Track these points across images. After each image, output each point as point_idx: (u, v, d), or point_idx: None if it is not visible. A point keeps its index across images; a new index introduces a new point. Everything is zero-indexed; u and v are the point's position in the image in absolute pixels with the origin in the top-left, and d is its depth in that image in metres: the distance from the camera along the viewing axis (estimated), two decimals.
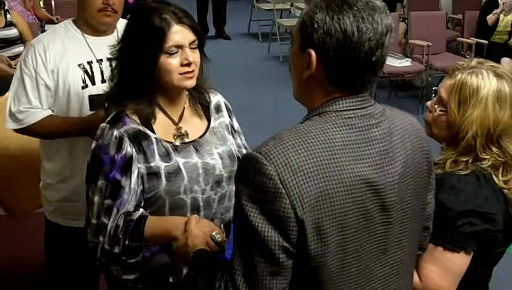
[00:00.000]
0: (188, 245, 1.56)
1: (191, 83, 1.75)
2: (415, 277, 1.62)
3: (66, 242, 2.37)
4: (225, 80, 6.89)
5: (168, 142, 1.76)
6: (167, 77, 1.71)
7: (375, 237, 1.27)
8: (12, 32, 4.88)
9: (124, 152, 1.68)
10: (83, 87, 2.24)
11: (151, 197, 1.72)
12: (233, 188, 1.52)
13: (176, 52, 1.70)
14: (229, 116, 1.99)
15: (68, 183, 2.32)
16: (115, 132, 1.69)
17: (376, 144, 1.27)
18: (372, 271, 1.29)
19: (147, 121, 1.75)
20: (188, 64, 1.71)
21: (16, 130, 2.29)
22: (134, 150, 1.69)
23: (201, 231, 1.59)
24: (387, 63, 5.87)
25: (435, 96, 1.77)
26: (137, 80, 1.71)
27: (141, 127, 1.73)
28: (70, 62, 2.23)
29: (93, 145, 1.74)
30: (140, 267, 1.72)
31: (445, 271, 1.63)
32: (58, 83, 2.21)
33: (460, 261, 1.63)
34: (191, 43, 1.73)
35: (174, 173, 1.73)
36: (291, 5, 9.09)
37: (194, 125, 1.85)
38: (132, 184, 1.68)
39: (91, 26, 2.26)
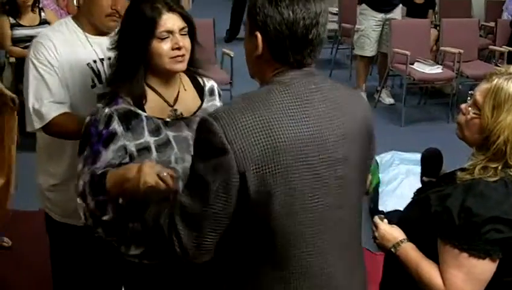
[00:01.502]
0: (140, 182, 1.69)
1: (181, 66, 1.88)
2: (438, 280, 1.65)
3: (80, 242, 2.26)
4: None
5: (159, 118, 1.89)
6: (159, 60, 1.84)
7: (324, 189, 1.42)
8: None
9: (110, 128, 1.82)
10: (92, 86, 2.23)
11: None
12: None
13: (167, 38, 1.84)
14: (220, 100, 2.10)
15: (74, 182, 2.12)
16: (106, 110, 1.84)
17: (315, 107, 1.43)
18: (324, 220, 1.44)
19: (139, 101, 1.88)
20: (179, 48, 1.84)
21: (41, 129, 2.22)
22: (121, 128, 1.83)
23: (152, 171, 1.70)
24: (417, 69, 5.89)
25: (470, 99, 1.76)
26: (131, 64, 1.85)
27: (132, 107, 1.86)
28: (79, 61, 2.21)
29: (87, 119, 1.88)
30: (142, 241, 1.85)
31: (469, 277, 1.62)
32: (68, 81, 2.20)
33: (485, 268, 1.62)
34: (181, 29, 1.86)
35: (164, 145, 1.86)
36: None
37: (187, 106, 1.97)
38: (108, 154, 1.82)
39: (94, 27, 2.25)
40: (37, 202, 2.51)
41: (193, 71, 2.00)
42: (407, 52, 5.80)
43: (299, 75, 1.45)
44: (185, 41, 1.86)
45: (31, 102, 2.17)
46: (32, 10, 4.93)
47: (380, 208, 3.86)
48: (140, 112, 1.86)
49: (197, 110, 1.98)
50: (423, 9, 7.12)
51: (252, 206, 1.37)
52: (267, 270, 1.45)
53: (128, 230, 1.86)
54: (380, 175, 4.22)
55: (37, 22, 4.94)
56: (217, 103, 2.07)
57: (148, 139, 1.85)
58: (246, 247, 1.46)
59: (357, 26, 6.40)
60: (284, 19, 1.40)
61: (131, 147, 1.84)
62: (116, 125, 1.83)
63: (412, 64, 5.95)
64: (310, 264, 1.45)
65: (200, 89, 2.04)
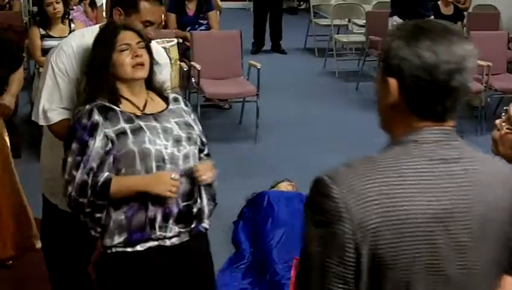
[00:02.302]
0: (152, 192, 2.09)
1: (141, 73, 2.24)
2: None
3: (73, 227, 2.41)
4: (279, 93, 6.93)
5: (131, 113, 2.21)
6: (122, 70, 2.20)
7: (442, 278, 1.20)
8: None
9: (92, 119, 2.14)
10: None
11: (124, 152, 2.14)
12: (195, 149, 2.28)
13: (126, 50, 2.20)
14: (187, 107, 2.39)
15: None
16: (87, 106, 2.18)
17: (454, 179, 1.21)
18: None
19: (114, 103, 2.21)
20: (137, 56, 2.19)
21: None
22: (101, 118, 2.15)
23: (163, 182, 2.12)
24: None
25: (504, 114, 1.74)
26: (102, 73, 2.21)
27: (107, 104, 2.19)
28: None
29: (72, 119, 2.23)
30: (123, 228, 2.14)
31: None
32: (82, 85, 2.36)
33: None
34: (137, 42, 2.23)
35: (137, 130, 2.16)
36: (349, 20, 9.06)
37: (156, 109, 2.28)
38: (96, 144, 2.12)
39: None
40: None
41: (156, 90, 2.34)
42: None
43: (438, 135, 1.23)
44: (143, 52, 2.23)
45: (43, 102, 2.39)
46: (62, 22, 5.00)
47: None
48: (115, 107, 2.20)
49: (164, 110, 2.28)
50: (452, 21, 7.04)
51: (362, 282, 1.18)
52: None
53: (111, 221, 2.15)
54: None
55: (67, 33, 4.98)
56: (182, 106, 2.36)
57: (124, 125, 2.16)
58: None
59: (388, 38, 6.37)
60: (424, 62, 1.20)
61: (111, 133, 2.14)
62: (97, 116, 2.15)
63: None
64: None
65: (164, 98, 2.35)
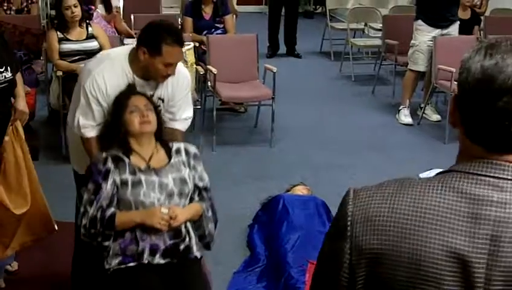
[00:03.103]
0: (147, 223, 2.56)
1: (148, 128, 2.68)
2: None
3: None
4: (295, 97, 6.93)
5: (136, 166, 2.65)
6: (131, 127, 2.66)
7: None
8: (93, 44, 5.06)
9: (106, 166, 2.61)
10: None
11: (123, 199, 2.61)
12: (186, 201, 2.70)
13: (135, 111, 2.66)
14: (187, 156, 2.76)
15: None
16: (104, 154, 2.66)
17: (485, 226, 1.05)
18: None
19: (126, 154, 2.68)
20: (144, 116, 2.65)
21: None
22: (112, 166, 2.61)
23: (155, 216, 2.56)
24: None
25: None
26: (115, 131, 2.70)
27: (120, 154, 2.66)
28: None
29: (90, 162, 2.71)
30: (119, 255, 2.59)
31: None
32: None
33: None
34: (145, 105, 2.70)
35: (137, 183, 2.61)
36: (365, 24, 9.04)
37: (159, 163, 2.69)
38: (107, 187, 2.58)
39: (144, 74, 2.82)
40: None
41: (162, 140, 2.77)
42: (452, 69, 5.73)
43: (483, 170, 1.07)
44: (149, 113, 2.68)
45: (78, 115, 2.81)
46: (80, 25, 5.04)
47: None
48: (125, 158, 2.65)
49: (165, 165, 2.69)
50: (469, 25, 7.03)
51: None
52: None
53: (111, 249, 2.61)
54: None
55: (84, 37, 5.05)
56: (183, 158, 2.75)
57: (128, 176, 2.61)
58: None
59: (412, 41, 6.35)
60: (485, 73, 1.06)
61: (117, 180, 2.61)
62: (110, 164, 2.61)
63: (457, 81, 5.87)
64: None
65: (168, 151, 2.75)
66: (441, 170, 4.18)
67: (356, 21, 8.81)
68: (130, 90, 2.75)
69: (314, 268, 1.24)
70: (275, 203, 3.85)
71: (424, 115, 6.40)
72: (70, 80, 4.90)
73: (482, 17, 7.58)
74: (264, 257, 3.58)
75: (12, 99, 3.17)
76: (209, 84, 5.60)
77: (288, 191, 4.19)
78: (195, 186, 2.75)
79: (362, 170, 5.06)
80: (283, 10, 8.88)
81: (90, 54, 5.03)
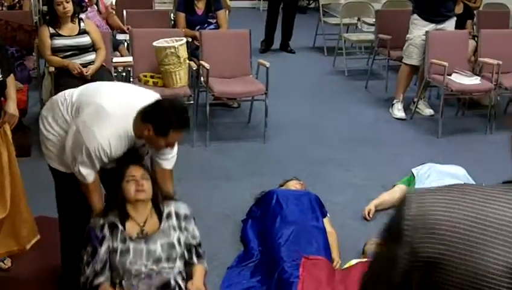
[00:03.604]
0: None
1: (142, 195, 2.88)
2: None
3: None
4: (288, 92, 6.93)
5: (128, 234, 2.84)
6: (127, 194, 2.87)
7: None
8: (85, 40, 5.03)
9: (103, 233, 2.83)
10: None
11: (113, 265, 2.82)
12: (173, 264, 2.85)
13: (132, 180, 2.87)
14: (177, 219, 2.94)
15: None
16: (101, 221, 2.86)
17: None
18: None
19: (122, 221, 2.87)
20: (138, 185, 2.86)
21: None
22: (108, 233, 2.83)
23: None
24: (455, 80, 5.83)
25: None
26: (113, 199, 2.94)
27: (116, 221, 2.86)
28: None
29: (88, 227, 2.88)
30: None
31: None
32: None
33: None
34: (142, 175, 2.89)
35: (124, 251, 2.81)
36: (358, 19, 9.04)
37: (152, 228, 2.89)
38: (102, 252, 2.81)
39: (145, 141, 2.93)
40: None
41: (157, 204, 2.95)
42: (444, 63, 5.74)
43: None
44: (144, 182, 2.88)
45: (79, 166, 2.89)
46: (72, 21, 5.01)
47: None
48: (120, 226, 2.85)
49: (156, 230, 2.88)
50: (461, 20, 7.04)
51: None
52: None
53: None
54: (416, 187, 4.17)
55: (76, 32, 5.02)
56: (174, 221, 2.92)
57: (118, 244, 2.82)
58: None
59: (407, 35, 6.35)
60: None
61: (110, 247, 2.82)
62: (106, 231, 2.83)
63: (450, 75, 5.88)
64: None
65: (160, 215, 2.93)
66: (433, 164, 4.21)
67: (349, 16, 8.81)
68: (129, 158, 2.93)
69: (368, 268, 1.23)
70: (268, 198, 3.85)
71: (417, 109, 6.42)
72: (63, 76, 4.90)
73: (475, 12, 7.60)
74: (257, 252, 3.58)
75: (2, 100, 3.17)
76: (202, 79, 5.59)
77: (281, 186, 4.19)
78: (190, 245, 2.95)
79: (356, 165, 5.06)
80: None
81: (82, 49, 5.02)
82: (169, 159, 3.13)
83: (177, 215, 2.95)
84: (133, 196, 2.86)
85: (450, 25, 6.26)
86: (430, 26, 6.15)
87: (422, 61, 6.26)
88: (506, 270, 1.03)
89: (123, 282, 2.81)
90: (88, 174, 2.91)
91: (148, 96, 2.96)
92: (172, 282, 2.84)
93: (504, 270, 1.03)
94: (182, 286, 2.87)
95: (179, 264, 2.89)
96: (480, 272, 1.04)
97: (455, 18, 6.34)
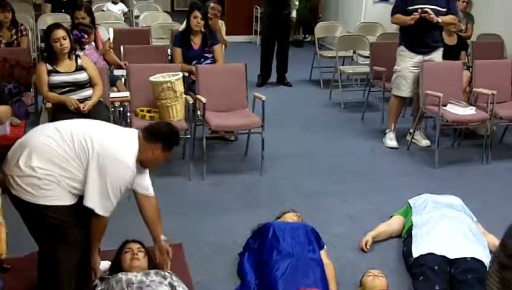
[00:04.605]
0: None
1: (137, 264, 3.29)
2: None
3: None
4: (285, 125, 6.97)
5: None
6: (125, 263, 3.31)
7: None
8: (82, 76, 5.08)
9: None
10: None
11: None
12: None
13: (128, 252, 3.35)
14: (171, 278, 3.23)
15: None
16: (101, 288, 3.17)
17: None
18: None
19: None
20: (133, 254, 3.33)
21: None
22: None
23: None
24: (450, 111, 5.86)
25: None
26: (113, 270, 3.33)
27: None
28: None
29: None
30: None
31: None
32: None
33: None
34: (138, 248, 3.39)
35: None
36: (354, 52, 9.13)
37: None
38: None
39: (144, 163, 3.22)
40: None
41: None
42: (439, 94, 5.78)
43: None
44: (140, 256, 3.34)
45: (110, 201, 3.01)
46: (69, 57, 5.06)
47: (414, 251, 3.80)
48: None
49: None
50: (455, 51, 7.11)
51: None
52: None
53: None
54: (413, 218, 4.17)
55: (73, 69, 5.06)
56: (168, 279, 3.19)
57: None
58: None
59: (395, 67, 6.41)
60: None
61: None
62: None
63: (445, 106, 5.92)
64: None
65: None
66: (430, 194, 4.20)
67: (345, 49, 8.89)
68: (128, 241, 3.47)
69: None
70: (264, 231, 3.84)
71: (413, 140, 6.44)
72: (60, 112, 4.92)
73: (468, 42, 7.68)
74: (254, 285, 3.56)
75: None
76: (199, 113, 5.62)
77: (278, 218, 4.19)
78: None
79: (352, 196, 5.06)
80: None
81: (79, 85, 5.06)
82: (150, 185, 3.42)
83: (171, 277, 3.25)
84: (128, 266, 3.27)
85: (437, 55, 6.31)
86: (418, 58, 6.20)
87: (413, 92, 6.31)
88: None
89: None
90: (111, 209, 3.06)
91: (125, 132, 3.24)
92: None
93: None
94: None
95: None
96: None
97: (442, 48, 6.39)
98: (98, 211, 2.97)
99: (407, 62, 6.24)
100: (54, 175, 2.94)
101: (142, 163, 3.16)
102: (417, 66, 6.22)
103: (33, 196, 2.93)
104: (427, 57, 6.21)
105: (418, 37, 6.14)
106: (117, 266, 3.31)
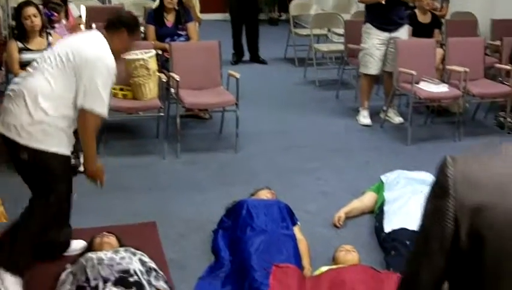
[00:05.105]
0: None
1: (106, 240, 3.40)
2: None
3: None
4: (260, 103, 6.97)
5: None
6: (94, 244, 3.40)
7: None
8: None
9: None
10: None
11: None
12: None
13: (98, 235, 3.42)
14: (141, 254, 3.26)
15: None
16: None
17: None
18: None
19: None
20: (102, 235, 3.45)
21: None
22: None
23: None
24: (423, 88, 5.91)
25: None
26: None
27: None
28: None
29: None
30: None
31: None
32: None
33: None
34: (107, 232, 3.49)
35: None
36: (328, 30, 9.14)
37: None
38: None
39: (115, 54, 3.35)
40: None
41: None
42: (413, 72, 5.82)
43: None
44: (109, 234, 3.46)
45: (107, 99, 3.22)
46: (40, 35, 4.99)
47: (386, 226, 3.84)
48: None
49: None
50: (429, 29, 7.15)
51: (460, 254, 1.31)
52: None
53: None
54: (385, 194, 4.21)
55: (45, 46, 5.00)
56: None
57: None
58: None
59: (361, 44, 6.43)
60: None
61: None
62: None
63: (418, 83, 5.96)
64: None
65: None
66: (402, 170, 4.24)
67: (319, 27, 8.89)
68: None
69: (418, 227, 1.37)
70: (238, 208, 3.85)
71: (386, 117, 6.49)
72: None
73: (442, 21, 7.72)
74: (228, 262, 3.58)
75: None
76: (172, 91, 5.59)
77: (253, 195, 4.20)
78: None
79: (326, 173, 5.10)
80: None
81: None
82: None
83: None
84: (98, 242, 3.39)
85: (403, 32, 6.34)
86: (384, 35, 6.23)
87: (380, 69, 6.34)
88: None
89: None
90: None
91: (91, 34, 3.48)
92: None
93: None
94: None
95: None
96: None
97: (407, 25, 6.42)
98: (97, 109, 3.17)
99: (374, 39, 6.26)
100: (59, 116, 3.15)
101: (114, 53, 3.33)
102: (383, 43, 6.25)
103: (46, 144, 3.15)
104: (393, 34, 6.24)
105: (384, 14, 6.16)
106: (88, 251, 3.35)
